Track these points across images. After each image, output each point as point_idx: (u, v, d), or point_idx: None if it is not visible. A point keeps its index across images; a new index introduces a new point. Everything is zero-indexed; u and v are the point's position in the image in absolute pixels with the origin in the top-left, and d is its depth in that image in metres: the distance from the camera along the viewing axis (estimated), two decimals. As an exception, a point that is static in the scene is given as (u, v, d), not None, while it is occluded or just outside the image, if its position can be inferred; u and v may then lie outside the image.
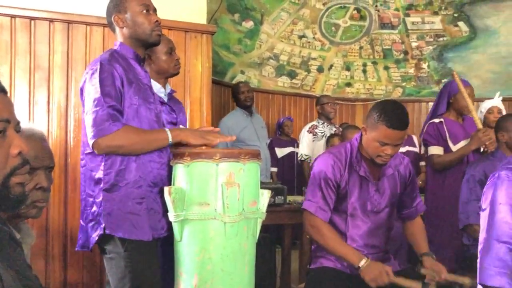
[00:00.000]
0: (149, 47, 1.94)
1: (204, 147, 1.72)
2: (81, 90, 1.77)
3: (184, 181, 1.65)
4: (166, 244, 1.82)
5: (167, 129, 1.76)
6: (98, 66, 1.69)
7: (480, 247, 1.10)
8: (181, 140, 1.74)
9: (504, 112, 3.42)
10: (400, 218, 2.25)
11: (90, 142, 1.67)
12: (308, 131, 4.51)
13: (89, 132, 1.67)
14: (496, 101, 3.43)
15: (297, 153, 5.16)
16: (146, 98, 1.79)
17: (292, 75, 6.03)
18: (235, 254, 1.62)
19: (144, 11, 1.83)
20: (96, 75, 1.68)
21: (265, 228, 3.83)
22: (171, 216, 1.63)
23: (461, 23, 6.05)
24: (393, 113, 1.92)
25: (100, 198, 1.69)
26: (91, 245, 1.74)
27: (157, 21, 1.85)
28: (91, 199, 1.73)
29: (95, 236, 1.70)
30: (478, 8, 5.95)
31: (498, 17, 5.88)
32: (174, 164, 1.71)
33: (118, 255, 1.69)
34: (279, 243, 3.37)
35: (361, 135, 2.08)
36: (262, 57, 5.82)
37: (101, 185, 1.69)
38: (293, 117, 5.72)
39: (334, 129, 4.44)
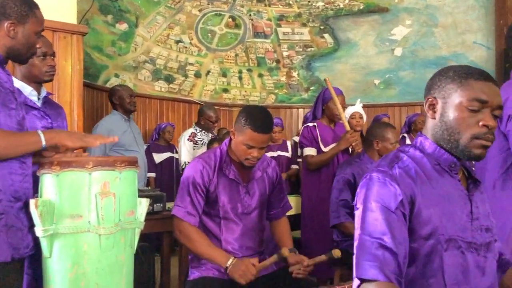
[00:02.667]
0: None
1: (75, 155, 1.61)
2: None
3: (53, 192, 1.53)
4: (35, 263, 1.67)
5: (39, 131, 1.58)
6: None
7: (355, 243, 1.19)
8: (56, 144, 1.59)
9: (364, 117, 3.79)
10: (267, 218, 2.32)
11: None
12: (188, 139, 4.50)
13: None
14: (358, 107, 3.78)
15: (175, 158, 5.11)
16: (6, 103, 1.59)
17: (169, 79, 5.96)
18: (112, 267, 1.55)
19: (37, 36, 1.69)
20: None
21: (143, 237, 3.73)
22: (38, 231, 1.50)
23: (326, 35, 6.54)
24: (258, 117, 2.00)
25: None
26: None
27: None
28: None
29: None
30: (340, 22, 6.49)
31: (358, 31, 6.48)
32: (41, 174, 1.57)
33: None
34: (159, 251, 3.30)
35: (230, 139, 2.13)
36: (138, 60, 5.66)
37: None
38: (172, 122, 5.65)
39: (211, 135, 4.47)
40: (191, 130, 4.44)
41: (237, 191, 2.11)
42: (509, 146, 1.64)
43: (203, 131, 4.42)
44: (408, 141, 4.91)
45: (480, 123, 1.18)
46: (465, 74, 1.21)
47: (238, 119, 2.04)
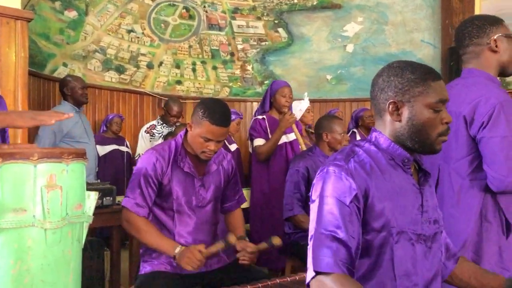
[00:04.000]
0: None
1: (19, 146, 1.54)
2: None
3: (-5, 185, 1.46)
4: None
5: None
6: None
7: (310, 235, 1.21)
8: (7, 126, 1.52)
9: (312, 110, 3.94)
10: (222, 211, 2.33)
11: None
12: (145, 131, 4.43)
13: None
14: (307, 101, 3.91)
15: (121, 151, 4.99)
16: None
17: (120, 70, 5.80)
18: (58, 262, 1.50)
19: None
20: None
21: (92, 231, 3.64)
22: (-21, 226, 1.43)
23: (280, 30, 6.59)
24: (216, 110, 1.99)
25: None
26: None
27: None
28: None
29: None
30: (294, 16, 6.55)
31: (311, 26, 6.56)
32: (-18, 167, 1.50)
33: None
34: (109, 245, 3.23)
35: (186, 131, 2.10)
36: (88, 49, 5.47)
37: None
38: (122, 114, 5.51)
39: (170, 129, 4.42)
40: (153, 122, 4.41)
41: (191, 184, 2.09)
42: (476, 148, 1.70)
43: (164, 124, 4.37)
44: (358, 136, 5.03)
45: (443, 121, 1.25)
46: (424, 75, 1.25)
47: (196, 111, 2.02)
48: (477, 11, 5.54)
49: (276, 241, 2.09)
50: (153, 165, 2.02)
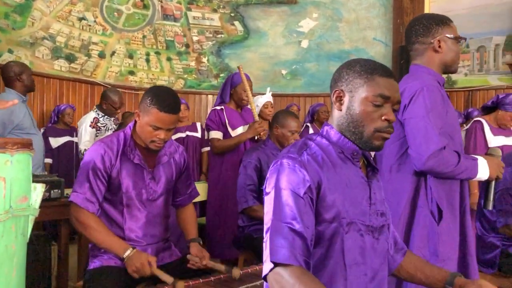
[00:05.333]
0: None
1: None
2: None
3: None
4: None
5: None
6: None
7: (266, 227, 1.22)
8: None
9: (273, 105, 3.91)
10: (173, 205, 2.28)
11: None
12: (90, 126, 4.27)
13: None
14: (269, 96, 3.89)
15: (76, 142, 4.83)
16: None
17: (70, 58, 5.60)
18: (1, 257, 1.43)
19: None
20: None
21: (39, 224, 3.50)
22: None
23: (237, 23, 6.57)
24: (165, 97, 1.94)
25: None
26: None
27: None
28: None
29: None
30: (251, 10, 6.55)
31: (267, 20, 6.59)
32: None
33: None
34: (56, 239, 3.12)
35: (135, 122, 2.05)
36: (36, 36, 5.24)
37: None
38: (72, 104, 5.33)
39: (113, 119, 4.29)
40: (93, 114, 4.19)
41: (141, 177, 2.04)
42: (405, 133, 1.77)
43: (106, 116, 4.21)
44: (311, 130, 5.11)
45: (383, 117, 1.26)
46: (371, 69, 1.28)
47: (144, 99, 1.96)
48: (426, 11, 5.74)
49: (236, 273, 1.97)
50: (101, 158, 1.95)
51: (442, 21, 1.87)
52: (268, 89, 3.97)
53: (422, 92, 1.73)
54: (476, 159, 1.75)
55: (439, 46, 1.85)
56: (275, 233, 1.18)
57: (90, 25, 5.73)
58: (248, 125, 3.40)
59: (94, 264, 2.00)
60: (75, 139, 4.89)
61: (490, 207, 1.85)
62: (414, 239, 1.77)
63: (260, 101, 3.92)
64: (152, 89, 2.02)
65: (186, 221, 2.26)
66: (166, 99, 1.93)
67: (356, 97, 1.27)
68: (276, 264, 1.16)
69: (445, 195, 1.80)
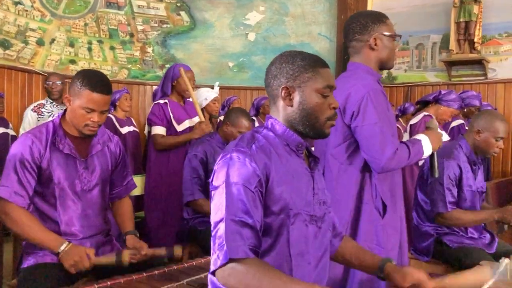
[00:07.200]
0: None
1: None
2: None
3: None
4: None
5: None
6: None
7: (215, 221, 1.21)
8: None
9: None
10: (109, 198, 2.20)
11: None
12: (32, 110, 4.08)
13: None
14: (217, 91, 3.88)
15: (10, 134, 4.57)
16: None
17: (5, 45, 5.29)
18: None
19: None
20: None
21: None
22: None
23: (183, 13, 6.47)
24: (96, 78, 1.90)
25: None
26: None
27: None
28: None
29: None
30: (197, 1, 6.48)
31: (214, 12, 6.53)
32: None
33: None
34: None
35: (65, 111, 1.98)
36: (-35, 20, 4.91)
37: None
38: (7, 93, 5.04)
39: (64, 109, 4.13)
40: (42, 101, 4.07)
41: (74, 167, 1.95)
42: (351, 135, 1.84)
43: (55, 104, 4.06)
44: (256, 123, 5.14)
45: (331, 106, 1.32)
46: (313, 62, 1.32)
47: (74, 82, 1.90)
48: (369, 8, 5.92)
49: (178, 252, 1.99)
50: (29, 149, 1.86)
51: (378, 19, 1.93)
52: (217, 83, 3.95)
53: (369, 97, 1.79)
54: (420, 140, 1.86)
55: (375, 44, 1.90)
56: (230, 228, 1.18)
57: (27, 10, 5.44)
58: (192, 119, 3.36)
59: (29, 261, 1.90)
60: (8, 131, 4.60)
61: (437, 175, 1.99)
62: (360, 233, 1.84)
63: (208, 96, 3.89)
64: (81, 71, 1.98)
65: (123, 214, 2.19)
66: (97, 80, 1.89)
67: (307, 91, 1.31)
68: (231, 260, 1.16)
69: (389, 189, 1.88)
